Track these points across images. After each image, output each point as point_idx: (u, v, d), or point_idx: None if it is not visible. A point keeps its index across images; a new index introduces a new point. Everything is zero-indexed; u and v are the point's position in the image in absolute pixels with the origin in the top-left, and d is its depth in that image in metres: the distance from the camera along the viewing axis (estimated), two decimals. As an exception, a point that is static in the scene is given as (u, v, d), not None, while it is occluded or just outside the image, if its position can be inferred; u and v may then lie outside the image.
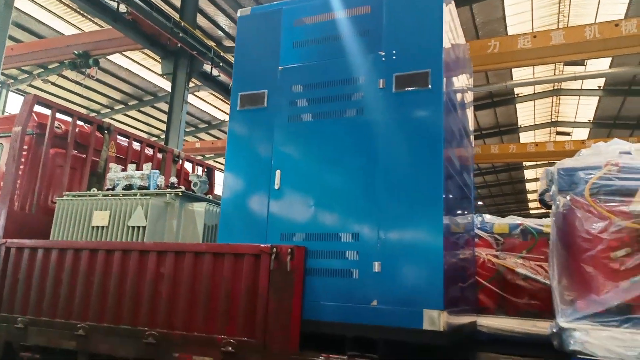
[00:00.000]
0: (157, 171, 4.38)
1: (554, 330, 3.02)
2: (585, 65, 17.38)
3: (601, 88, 19.04)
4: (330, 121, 3.43)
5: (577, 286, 2.96)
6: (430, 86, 3.17)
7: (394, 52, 3.32)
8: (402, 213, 3.11)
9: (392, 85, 3.26)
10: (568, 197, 3.09)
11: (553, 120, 23.52)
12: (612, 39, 12.10)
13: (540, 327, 3.70)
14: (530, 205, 35.95)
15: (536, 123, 23.92)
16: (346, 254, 3.19)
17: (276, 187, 3.44)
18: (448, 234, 3.16)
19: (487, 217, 4.60)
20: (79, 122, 5.20)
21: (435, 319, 2.88)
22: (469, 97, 4.54)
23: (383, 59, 3.35)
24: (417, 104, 3.20)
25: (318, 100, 3.51)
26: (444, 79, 3.21)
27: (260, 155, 3.57)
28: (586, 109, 21.27)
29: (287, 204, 3.41)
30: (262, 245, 3.25)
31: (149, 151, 6.02)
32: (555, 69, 18.65)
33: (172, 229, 3.94)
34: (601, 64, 16.89)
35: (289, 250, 3.16)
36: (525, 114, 22.95)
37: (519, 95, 20.97)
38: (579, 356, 2.74)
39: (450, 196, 3.34)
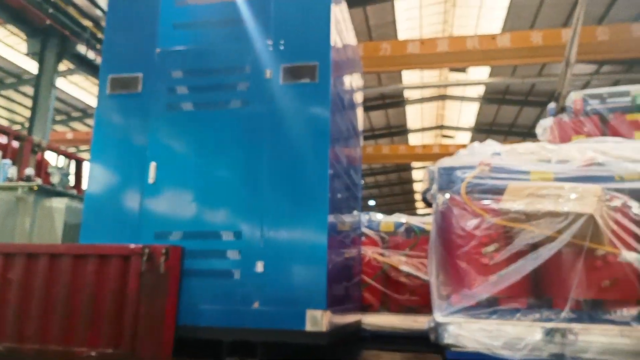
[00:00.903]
0: (8, 161, 3.79)
1: (431, 325, 3.10)
2: (467, 73, 18.81)
3: (481, 96, 20.77)
4: (213, 112, 3.20)
5: (452, 281, 3.07)
6: (318, 80, 3.08)
7: (282, 42, 3.18)
8: (287, 210, 2.99)
9: (280, 76, 3.12)
10: (446, 195, 3.20)
11: (439, 124, 25.18)
12: (489, 50, 13.19)
13: (420, 322, 3.82)
14: (417, 205, 38.30)
15: (424, 126, 25.43)
16: (227, 254, 2.99)
17: (150, 180, 3.12)
18: (333, 232, 3.10)
19: (374, 216, 4.67)
20: None
21: (318, 319, 2.80)
22: (359, 97, 4.56)
23: (270, 48, 3.19)
24: (305, 98, 3.10)
25: (200, 88, 3.26)
26: (333, 74, 3.15)
27: (132, 145, 3.22)
28: (468, 114, 23.06)
29: (162, 200, 3.12)
30: (132, 246, 2.92)
31: (2, 139, 5.24)
32: (441, 75, 19.95)
33: (25, 228, 3.42)
34: (481, 73, 18.39)
35: (164, 250, 2.88)
36: (414, 116, 24.28)
37: (409, 99, 22.12)
38: (453, 349, 2.84)
39: (337, 194, 3.30)
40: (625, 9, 13.02)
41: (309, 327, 2.79)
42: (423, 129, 25.76)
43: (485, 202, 3.00)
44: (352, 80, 4.18)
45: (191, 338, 2.96)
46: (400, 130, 25.50)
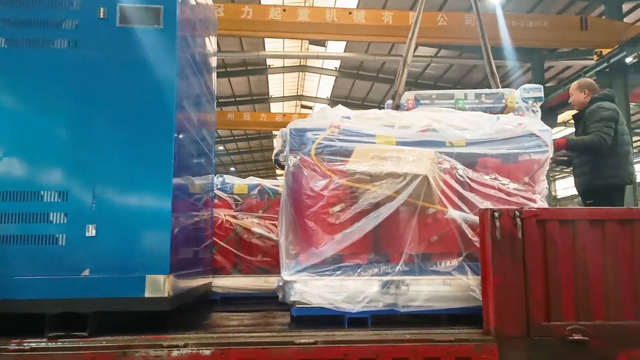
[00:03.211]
0: None
1: (280, 284, 3.14)
2: (326, 47, 19.31)
3: (337, 69, 21.58)
4: (33, 50, 2.71)
5: (301, 241, 3.12)
6: (162, 26, 2.79)
7: (118, -24, 2.80)
8: (126, 170, 2.70)
9: (116, 17, 2.75)
10: (298, 157, 3.21)
11: (299, 94, 25.65)
12: (346, 25, 13.66)
13: (271, 282, 3.85)
14: (278, 172, 38.94)
15: (285, 95, 25.68)
16: (50, 217, 2.61)
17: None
18: (180, 194, 2.91)
19: (228, 178, 4.53)
20: None
21: (160, 285, 2.62)
22: (213, 60, 4.29)
23: (105, -18, 2.79)
24: (147, 45, 2.78)
25: (16, 21, 2.73)
26: (181, 23, 2.88)
27: None
28: (325, 87, 23.86)
29: (-39, 153, 2.58)
30: None
31: None
32: (302, 46, 20.18)
33: None
34: (338, 47, 19.03)
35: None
36: (275, 85, 24.33)
37: (271, 66, 22.03)
38: (298, 306, 2.90)
39: (185, 155, 3.09)
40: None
41: (149, 293, 2.59)
42: (284, 98, 26.00)
43: (334, 163, 3.07)
44: (206, 40, 3.90)
45: (8, 314, 2.56)
46: (262, 98, 25.38)
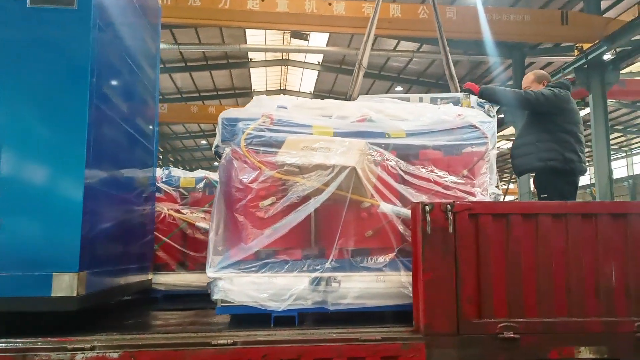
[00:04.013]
0: None
1: (210, 282, 3.00)
2: (308, 40, 19.12)
3: (320, 63, 21.38)
4: None
5: (230, 236, 2.98)
6: (76, 6, 2.63)
7: (29, -48, 2.63)
8: (33, 157, 2.54)
9: (26, -3, 2.59)
10: (229, 148, 3.07)
11: (282, 88, 25.41)
12: (326, 16, 13.48)
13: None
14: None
15: (268, 89, 25.42)
16: (-56, 210, 2.45)
17: None
18: (97, 185, 2.75)
19: (174, 171, 4.38)
20: None
21: (69, 283, 2.47)
22: (153, 48, 4.06)
23: (14, -41, 2.62)
24: (59, 26, 2.62)
25: None
26: (98, 4, 2.71)
27: None
28: (308, 81, 23.65)
29: None
30: None
31: None
32: (284, 40, 19.96)
33: None
34: (320, 41, 18.85)
35: None
36: (258, 79, 24.08)
37: (253, 60, 21.79)
38: (222, 304, 2.77)
39: (106, 144, 2.92)
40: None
41: (56, 292, 2.44)
42: (267, 92, 25.73)
43: (264, 155, 2.94)
44: (140, 27, 3.69)
45: None
46: (244, 92, 25.12)
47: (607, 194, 12.84)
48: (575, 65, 13.49)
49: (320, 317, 2.88)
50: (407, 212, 2.82)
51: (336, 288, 2.83)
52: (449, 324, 2.60)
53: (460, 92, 4.04)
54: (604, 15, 13.87)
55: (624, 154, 30.36)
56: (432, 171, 2.97)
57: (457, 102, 3.95)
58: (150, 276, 3.89)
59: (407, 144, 3.08)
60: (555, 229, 2.72)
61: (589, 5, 13.69)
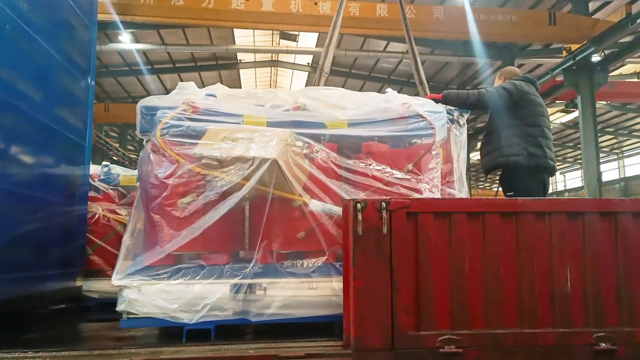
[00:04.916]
0: None
1: (122, 289, 2.67)
2: (297, 42, 18.87)
3: (309, 65, 21.11)
4: None
5: (146, 239, 2.66)
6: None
7: None
8: None
9: None
10: (148, 140, 2.75)
11: (272, 89, 25.15)
12: (312, 15, 13.22)
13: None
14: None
15: (258, 91, 25.14)
16: None
17: None
18: (3, 185, 2.43)
19: (115, 168, 4.05)
20: None
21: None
22: (87, 39, 3.70)
23: None
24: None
25: None
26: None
27: None
28: (298, 82, 23.36)
29: None
30: None
31: None
32: (272, 41, 19.70)
33: None
34: (309, 42, 18.59)
35: None
36: (248, 80, 23.81)
37: (242, 61, 21.53)
38: (127, 316, 2.45)
39: (14, 137, 2.61)
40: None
41: None
42: (257, 94, 25.44)
43: (184, 147, 2.62)
44: (61, 10, 3.34)
45: None
46: (234, 94, 24.82)
47: (596, 196, 12.56)
48: (564, 67, 13.23)
49: (246, 329, 2.56)
50: (339, 210, 2.51)
51: (261, 296, 2.51)
52: (383, 338, 2.29)
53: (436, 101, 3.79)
54: (592, 17, 13.66)
55: (616, 157, 30.08)
56: (369, 165, 2.65)
57: None
58: (79, 283, 3.56)
59: (347, 135, 2.76)
60: (504, 229, 2.41)
61: (577, 6, 13.48)
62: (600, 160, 14.10)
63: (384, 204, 2.33)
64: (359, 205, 2.32)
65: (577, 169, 31.42)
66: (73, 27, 3.54)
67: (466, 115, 3.89)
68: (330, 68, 4.95)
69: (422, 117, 2.75)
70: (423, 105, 2.86)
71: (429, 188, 2.78)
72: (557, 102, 17.98)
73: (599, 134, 15.42)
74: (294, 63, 21.52)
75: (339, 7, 4.87)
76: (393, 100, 2.87)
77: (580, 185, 24.13)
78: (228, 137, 2.49)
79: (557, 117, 22.39)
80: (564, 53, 13.81)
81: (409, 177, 2.70)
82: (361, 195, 2.62)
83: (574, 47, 13.25)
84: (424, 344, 2.31)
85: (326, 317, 2.52)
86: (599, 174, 13.19)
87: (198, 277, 2.48)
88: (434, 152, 2.78)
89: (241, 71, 22.64)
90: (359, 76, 20.33)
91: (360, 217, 2.31)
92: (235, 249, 2.73)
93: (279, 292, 2.51)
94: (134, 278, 2.44)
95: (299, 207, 2.62)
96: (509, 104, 3.73)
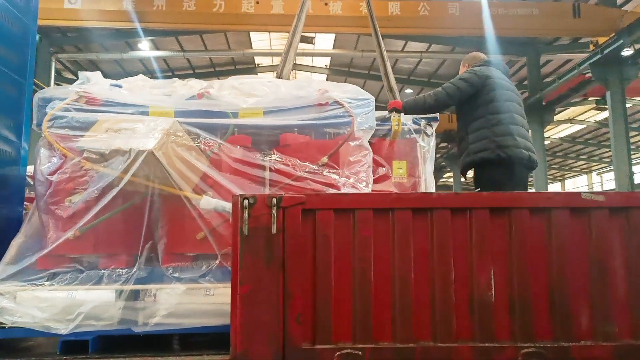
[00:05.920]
0: None
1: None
2: (314, 44, 18.71)
3: (327, 67, 20.90)
4: None
5: (33, 241, 2.45)
6: None
7: None
8: None
9: None
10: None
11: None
12: (322, 16, 13.03)
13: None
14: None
15: (279, 95, 25.12)
16: None
17: None
18: None
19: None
20: None
21: None
22: (20, 32, 3.53)
23: None
24: None
25: None
26: None
27: None
28: (318, 85, 23.21)
29: None
30: None
31: None
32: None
33: None
34: (326, 44, 18.39)
35: None
36: (268, 85, 23.83)
37: (260, 65, 21.56)
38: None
39: None
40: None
41: None
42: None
43: (72, 140, 2.40)
44: None
45: None
46: (255, 99, 24.88)
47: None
48: (591, 61, 12.46)
49: (137, 341, 2.29)
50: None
51: (150, 304, 2.24)
52: (272, 351, 1.98)
53: (388, 112, 3.48)
54: (620, 8, 12.82)
55: (650, 156, 28.31)
56: (276, 159, 2.35)
57: (387, 119, 3.42)
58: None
59: (258, 125, 2.47)
60: (416, 228, 2.06)
61: (605, -2, 12.69)
62: (633, 161, 13.21)
63: (274, 200, 2.03)
64: (246, 202, 2.03)
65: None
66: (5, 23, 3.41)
67: (435, 125, 3.56)
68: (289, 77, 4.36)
69: (339, 104, 2.42)
70: (345, 92, 2.54)
71: (352, 183, 2.45)
72: (589, 99, 17.04)
73: (630, 132, 14.43)
74: (312, 66, 21.36)
75: (299, 10, 4.26)
76: (308, 87, 2.55)
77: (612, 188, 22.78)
78: (111, 128, 2.26)
79: (591, 114, 21.26)
80: (591, 47, 13.04)
81: (319, 170, 2.37)
82: (261, 191, 2.32)
83: (600, 40, 12.49)
84: (320, 359, 1.99)
85: (219, 327, 2.22)
86: (631, 174, 12.31)
87: (75, 283, 2.23)
88: (354, 143, 2.44)
89: (260, 75, 22.68)
90: (378, 77, 19.92)
91: (246, 214, 2.01)
92: (136, 252, 2.48)
93: (167, 298, 2.23)
94: (6, 284, 2.23)
95: (190, 204, 2.34)
96: (470, 94, 3.34)
